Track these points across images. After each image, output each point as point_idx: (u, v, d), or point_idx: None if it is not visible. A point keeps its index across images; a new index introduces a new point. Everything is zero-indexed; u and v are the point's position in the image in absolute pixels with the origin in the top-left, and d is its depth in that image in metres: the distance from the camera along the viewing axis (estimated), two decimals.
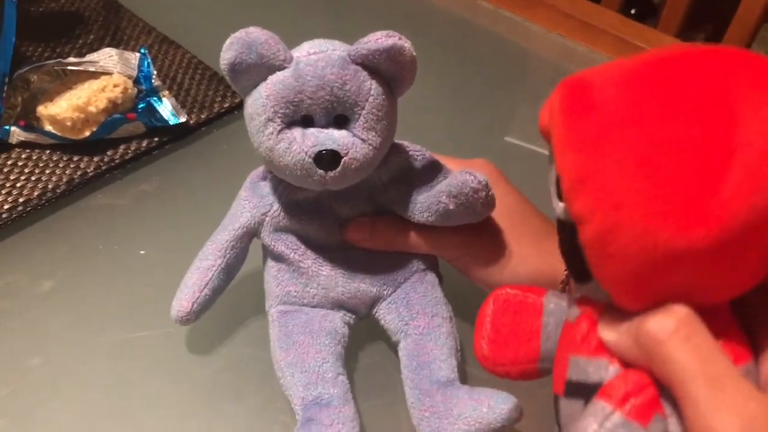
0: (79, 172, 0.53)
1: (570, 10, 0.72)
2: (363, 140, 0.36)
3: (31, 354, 0.44)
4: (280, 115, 0.35)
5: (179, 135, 0.57)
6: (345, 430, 0.37)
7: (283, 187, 0.40)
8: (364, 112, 0.35)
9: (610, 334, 0.26)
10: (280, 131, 0.35)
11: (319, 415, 0.37)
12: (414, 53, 0.36)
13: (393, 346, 0.42)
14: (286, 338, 0.40)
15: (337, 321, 0.41)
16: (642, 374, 0.25)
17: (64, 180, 0.52)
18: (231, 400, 0.42)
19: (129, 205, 0.54)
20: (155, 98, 0.56)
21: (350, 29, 0.70)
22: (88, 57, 0.57)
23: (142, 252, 0.50)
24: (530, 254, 0.40)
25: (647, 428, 0.24)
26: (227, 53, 0.35)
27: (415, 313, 0.41)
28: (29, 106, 0.55)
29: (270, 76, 0.35)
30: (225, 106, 0.59)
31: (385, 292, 0.41)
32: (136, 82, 0.57)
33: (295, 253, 0.41)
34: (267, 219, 0.41)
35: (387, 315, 0.41)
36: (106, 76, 0.55)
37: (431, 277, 0.42)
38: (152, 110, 0.56)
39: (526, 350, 0.31)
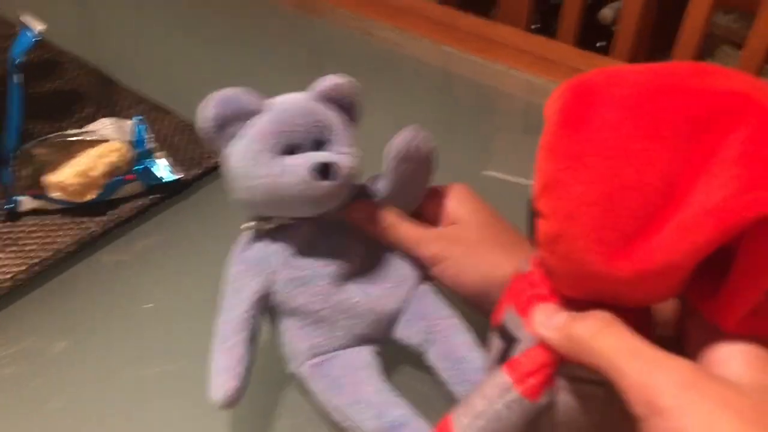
0: (87, 232, 0.57)
1: (526, 47, 0.79)
2: (344, 153, 0.41)
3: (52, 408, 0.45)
4: (268, 147, 0.39)
5: (176, 191, 0.62)
6: None
7: (275, 241, 0.42)
8: (336, 132, 0.42)
9: (544, 331, 0.29)
10: (272, 159, 0.39)
11: None
12: (355, 88, 0.44)
13: (415, 365, 0.44)
14: (333, 385, 0.41)
15: (368, 354, 0.43)
16: (545, 354, 0.30)
17: (73, 240, 0.56)
18: None
19: (134, 261, 0.57)
20: (151, 159, 0.61)
21: None
22: (87, 128, 0.62)
23: (150, 305, 0.53)
24: (502, 261, 0.42)
25: (536, 403, 0.29)
26: (208, 111, 0.40)
27: (433, 321, 0.43)
28: (36, 176, 0.59)
29: (249, 122, 0.40)
30: (216, 160, 0.64)
31: (397, 313, 0.44)
32: (133, 146, 0.61)
33: (313, 302, 0.42)
34: (274, 278, 0.42)
35: (407, 332, 0.44)
36: (104, 143, 0.60)
37: (429, 287, 0.45)
38: (149, 170, 0.61)
39: None
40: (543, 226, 0.27)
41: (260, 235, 0.43)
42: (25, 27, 0.61)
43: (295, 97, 0.42)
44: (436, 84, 0.80)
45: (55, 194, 0.58)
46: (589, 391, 0.29)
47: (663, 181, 0.24)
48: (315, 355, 0.42)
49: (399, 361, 0.46)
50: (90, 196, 0.58)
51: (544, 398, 0.30)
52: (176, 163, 0.63)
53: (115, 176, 0.59)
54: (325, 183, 0.39)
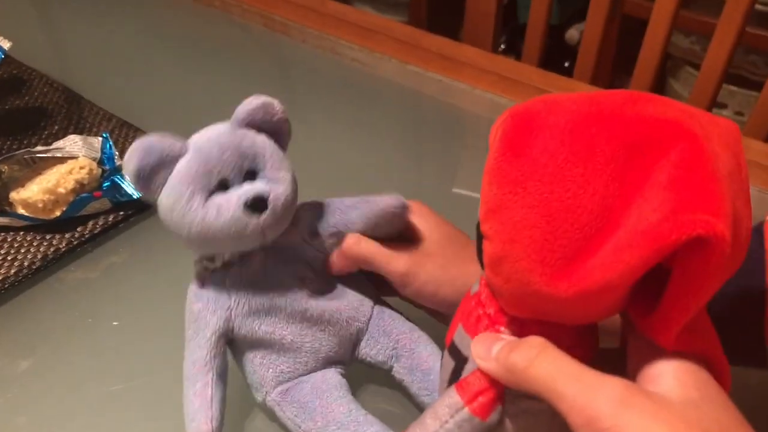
0: (52, 249, 0.57)
1: (490, 67, 0.81)
2: (277, 180, 0.40)
3: None
4: (199, 188, 0.38)
5: (143, 208, 0.62)
6: None
7: (229, 277, 0.42)
8: (266, 158, 0.40)
9: (482, 363, 0.30)
10: (205, 202, 0.38)
11: None
12: (280, 106, 0.41)
13: (379, 383, 0.45)
14: (303, 410, 0.41)
15: (335, 375, 0.43)
16: None
17: (39, 257, 0.56)
18: None
19: (100, 278, 0.57)
20: (119, 176, 0.61)
21: (303, 107, 0.77)
22: (55, 144, 0.62)
23: (115, 323, 0.53)
24: (474, 272, 0.44)
25: (486, 422, 0.31)
26: (130, 164, 0.38)
27: (395, 336, 0.44)
28: (2, 193, 0.60)
29: (175, 167, 0.38)
30: None
31: (359, 334, 0.44)
32: (100, 163, 0.62)
33: (274, 333, 0.42)
34: (233, 314, 0.41)
35: (371, 350, 0.44)
36: (72, 160, 0.60)
37: (386, 307, 0.46)
38: (117, 187, 0.61)
39: None
40: (488, 248, 0.28)
41: (212, 272, 0.42)
42: None
43: (217, 130, 0.40)
44: (403, 103, 0.82)
45: (22, 211, 0.58)
46: (537, 406, 0.30)
47: (599, 205, 0.26)
48: (281, 383, 0.42)
49: (362, 381, 0.47)
50: (57, 213, 0.59)
51: (493, 416, 0.31)
52: None
53: (83, 193, 0.59)
54: (262, 217, 0.38)
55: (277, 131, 0.42)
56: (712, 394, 0.27)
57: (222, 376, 0.41)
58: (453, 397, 0.31)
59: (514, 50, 1.49)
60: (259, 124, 0.41)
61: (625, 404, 0.26)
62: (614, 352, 0.33)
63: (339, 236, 0.44)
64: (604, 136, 0.26)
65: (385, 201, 0.44)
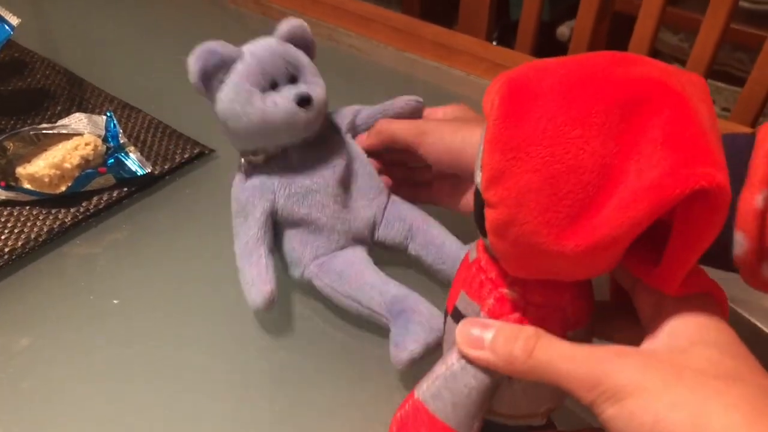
0: (58, 222, 0.59)
1: (485, 55, 0.83)
2: (315, 84, 0.49)
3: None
4: (257, 86, 0.46)
5: (146, 184, 0.63)
6: (428, 306, 0.46)
7: (271, 168, 0.49)
8: (306, 67, 0.49)
9: (474, 353, 0.32)
10: (263, 97, 0.46)
11: (404, 305, 0.46)
12: (308, 27, 0.51)
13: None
14: (339, 277, 0.48)
15: (362, 252, 0.50)
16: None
17: (45, 230, 0.58)
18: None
19: (103, 254, 0.58)
20: (123, 154, 0.63)
21: None
22: (60, 122, 0.64)
23: (115, 301, 0.54)
24: (477, 136, 0.47)
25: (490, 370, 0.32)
26: (196, 64, 0.46)
27: (410, 219, 0.52)
28: (8, 169, 0.61)
29: (232, 68, 0.46)
30: (185, 156, 0.66)
31: (378, 214, 0.52)
32: (105, 140, 0.63)
33: (310, 214, 0.49)
34: (277, 197, 0.49)
35: (389, 232, 0.52)
36: (77, 137, 0.62)
37: (399, 198, 0.53)
38: (121, 164, 0.62)
39: None
40: (492, 215, 0.29)
41: (255, 167, 0.50)
42: (2, 19, 0.62)
43: (267, 42, 0.49)
44: (399, 89, 0.83)
45: (28, 186, 0.59)
46: None
47: (598, 164, 0.27)
48: (317, 257, 0.49)
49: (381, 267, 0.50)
50: (63, 188, 0.60)
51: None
52: (146, 158, 0.65)
53: (87, 169, 0.61)
54: (309, 111, 0.47)
55: (308, 48, 0.51)
56: (709, 336, 0.28)
57: (272, 251, 0.48)
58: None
59: (505, 46, 1.51)
60: (297, 40, 0.50)
61: (617, 366, 0.28)
62: (607, 306, 0.35)
63: (367, 125, 0.55)
64: (596, 97, 0.27)
65: (405, 99, 0.56)
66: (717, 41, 0.88)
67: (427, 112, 0.57)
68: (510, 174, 0.28)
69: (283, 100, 0.46)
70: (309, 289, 0.51)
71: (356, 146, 0.54)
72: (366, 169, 0.53)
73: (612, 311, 0.35)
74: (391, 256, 0.52)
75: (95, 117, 0.65)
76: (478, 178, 0.30)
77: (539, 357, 0.30)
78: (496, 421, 0.35)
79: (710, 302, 0.30)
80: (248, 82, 0.46)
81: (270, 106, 0.46)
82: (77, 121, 0.63)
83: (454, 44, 0.86)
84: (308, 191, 0.49)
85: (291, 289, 0.53)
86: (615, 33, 1.22)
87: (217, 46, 0.46)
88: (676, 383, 0.27)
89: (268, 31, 0.50)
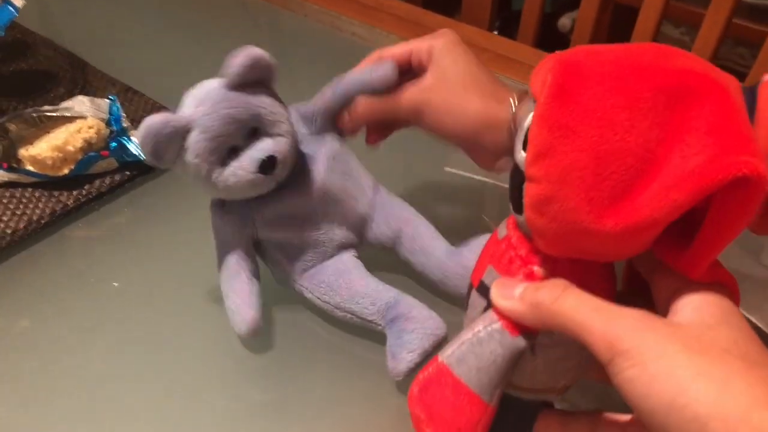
0: (60, 205, 0.59)
1: (487, 45, 0.83)
2: (279, 134, 0.44)
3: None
4: (213, 160, 0.42)
5: (148, 169, 0.64)
6: (421, 309, 0.46)
7: (247, 199, 0.46)
8: (266, 116, 0.43)
9: (505, 303, 0.33)
10: (223, 170, 0.43)
11: (398, 311, 0.46)
12: (264, 53, 0.43)
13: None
14: (330, 288, 0.48)
15: (351, 258, 0.50)
16: None
17: (47, 212, 0.58)
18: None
19: (104, 237, 0.59)
20: (125, 137, 0.63)
21: (302, 80, 0.78)
22: (63, 104, 0.64)
23: (115, 284, 0.54)
24: (475, 105, 0.46)
25: (515, 338, 0.33)
26: (146, 146, 0.41)
27: (398, 222, 0.50)
28: (10, 151, 0.61)
29: (185, 143, 0.42)
30: None
31: (365, 217, 0.50)
32: (108, 124, 0.63)
33: (293, 229, 0.48)
34: (257, 223, 0.47)
35: (379, 235, 0.51)
36: (80, 120, 0.62)
37: (383, 189, 0.52)
38: (123, 148, 0.62)
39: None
40: (534, 190, 0.30)
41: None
42: (6, 1, 0.62)
43: (211, 96, 0.42)
44: None
45: (30, 168, 0.60)
46: (568, 338, 0.32)
47: (643, 147, 0.28)
48: (306, 270, 0.49)
49: (370, 267, 0.50)
50: (65, 171, 0.60)
51: (522, 339, 0.33)
52: None
53: (90, 152, 0.61)
54: (274, 172, 0.44)
55: (266, 77, 0.44)
56: (732, 321, 0.29)
57: (254, 273, 0.48)
58: (489, 315, 0.33)
59: (507, 37, 1.51)
60: (251, 77, 0.43)
61: (641, 328, 0.28)
62: (619, 295, 0.36)
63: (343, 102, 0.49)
64: (645, 84, 0.28)
65: (373, 74, 0.48)
66: (719, 36, 0.89)
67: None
68: (556, 151, 0.28)
69: (244, 170, 0.43)
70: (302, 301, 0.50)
71: (333, 143, 0.49)
72: (349, 166, 0.50)
73: (624, 299, 0.35)
74: (379, 256, 0.52)
75: (98, 100, 0.65)
76: (520, 154, 0.31)
77: (565, 302, 0.30)
78: (514, 394, 0.36)
79: (728, 292, 0.31)
80: (205, 162, 0.42)
81: (231, 179, 0.43)
82: (80, 104, 0.64)
83: (457, 34, 0.86)
84: (286, 216, 0.47)
85: (286, 288, 0.52)
86: (617, 25, 1.22)
87: (165, 121, 0.41)
88: (701, 355, 0.27)
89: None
